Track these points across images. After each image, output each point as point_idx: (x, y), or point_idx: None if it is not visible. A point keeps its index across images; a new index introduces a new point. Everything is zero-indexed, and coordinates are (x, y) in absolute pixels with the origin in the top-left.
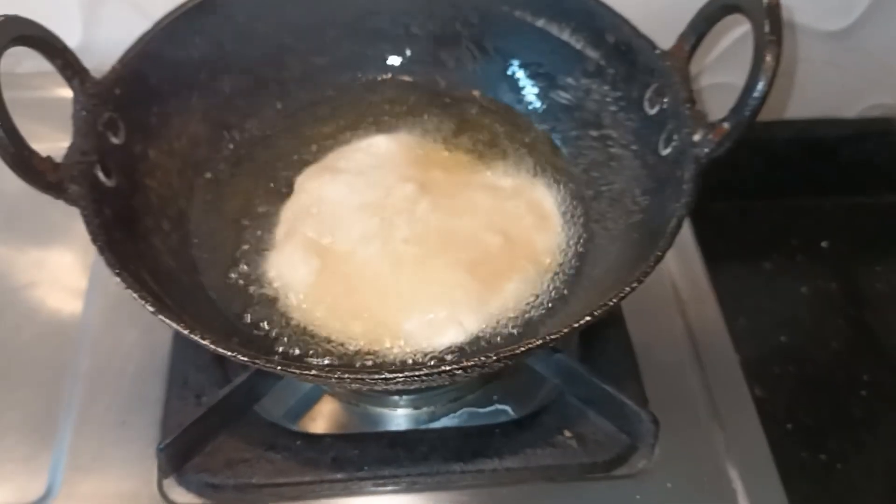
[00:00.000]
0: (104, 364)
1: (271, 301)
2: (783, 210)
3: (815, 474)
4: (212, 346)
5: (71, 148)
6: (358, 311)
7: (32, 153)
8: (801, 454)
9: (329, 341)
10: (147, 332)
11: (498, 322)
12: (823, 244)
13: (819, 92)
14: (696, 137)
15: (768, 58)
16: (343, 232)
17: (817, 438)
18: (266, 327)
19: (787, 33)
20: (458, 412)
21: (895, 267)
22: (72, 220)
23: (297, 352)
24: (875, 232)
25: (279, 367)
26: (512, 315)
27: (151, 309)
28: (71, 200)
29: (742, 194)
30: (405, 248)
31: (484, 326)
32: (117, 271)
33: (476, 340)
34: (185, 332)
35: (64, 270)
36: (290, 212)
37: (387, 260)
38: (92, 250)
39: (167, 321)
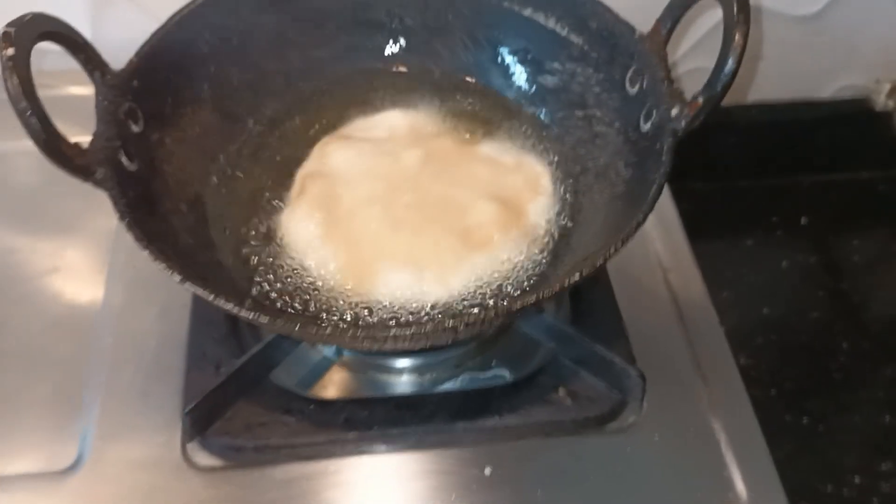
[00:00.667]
0: (126, 341)
1: (278, 266)
2: (763, 189)
3: (799, 435)
4: (236, 310)
5: (95, 135)
6: (355, 266)
7: (62, 139)
8: (784, 417)
9: (334, 299)
10: (165, 310)
11: (488, 284)
12: (802, 220)
13: (793, 75)
14: (674, 112)
15: (737, 37)
16: (349, 193)
17: (800, 402)
18: (274, 296)
19: (761, 19)
20: (460, 377)
21: (871, 240)
22: (87, 211)
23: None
24: (851, 207)
25: (297, 326)
26: (501, 279)
27: (178, 277)
28: (97, 182)
29: (724, 175)
30: (405, 212)
31: (472, 287)
32: (145, 245)
33: (461, 301)
34: (211, 297)
35: (82, 257)
36: (303, 172)
37: (386, 222)
38: (108, 238)
39: (194, 287)
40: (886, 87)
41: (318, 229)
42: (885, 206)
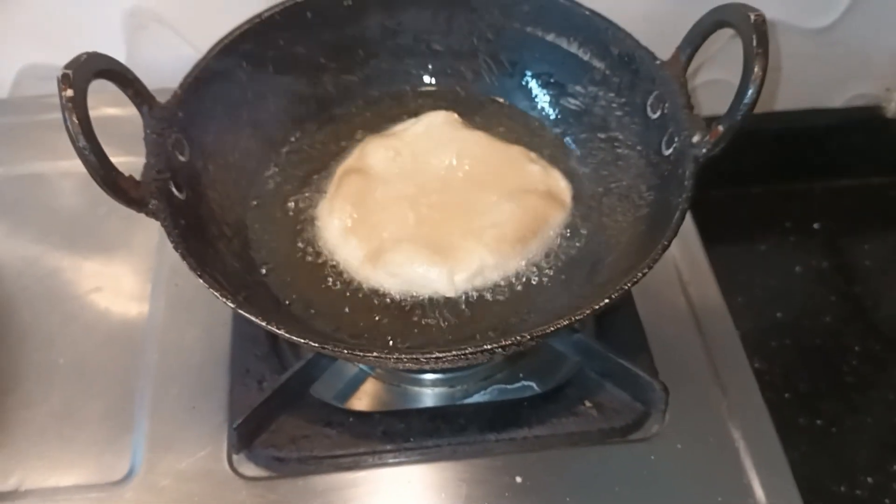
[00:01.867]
0: (171, 359)
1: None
2: (777, 195)
3: (813, 437)
4: (286, 335)
5: (146, 167)
6: (374, 254)
7: (118, 174)
8: (798, 419)
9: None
10: (207, 329)
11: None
12: (815, 225)
13: (807, 85)
14: (695, 139)
15: (756, 69)
16: (381, 189)
17: (813, 404)
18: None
19: (776, 32)
20: (489, 389)
21: (882, 244)
22: (128, 231)
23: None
24: (862, 213)
25: (346, 351)
26: (508, 285)
27: (232, 305)
28: (152, 214)
29: (739, 182)
30: (429, 211)
31: (478, 288)
32: (199, 273)
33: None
34: (263, 323)
35: (125, 276)
36: (342, 168)
37: (411, 217)
38: (149, 257)
39: (247, 315)
40: None
41: (347, 221)
42: (895, 211)
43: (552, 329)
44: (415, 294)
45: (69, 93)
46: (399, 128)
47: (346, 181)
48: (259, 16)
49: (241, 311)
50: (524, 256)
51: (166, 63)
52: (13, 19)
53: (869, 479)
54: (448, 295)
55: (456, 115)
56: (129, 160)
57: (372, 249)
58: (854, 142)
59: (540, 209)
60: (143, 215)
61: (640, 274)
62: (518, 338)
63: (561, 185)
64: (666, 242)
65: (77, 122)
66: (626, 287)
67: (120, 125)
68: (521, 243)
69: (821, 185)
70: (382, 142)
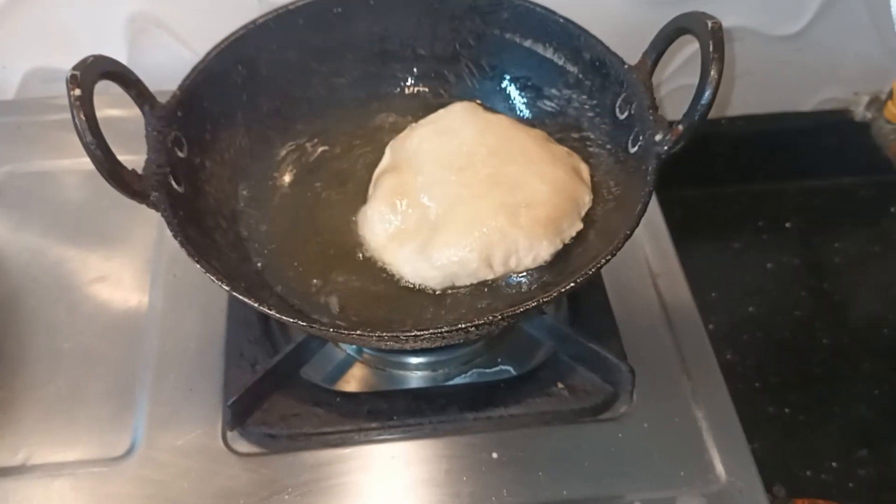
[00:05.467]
0: (169, 343)
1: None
2: (750, 195)
3: (781, 425)
4: (276, 315)
5: (147, 162)
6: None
7: (122, 167)
8: (768, 408)
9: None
10: (203, 316)
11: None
12: (787, 224)
13: (778, 89)
14: (658, 137)
15: (713, 72)
16: (414, 179)
17: (782, 394)
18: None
19: (747, 38)
20: (469, 372)
21: (851, 242)
22: (130, 224)
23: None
24: (833, 212)
25: (332, 330)
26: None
27: (227, 288)
28: (152, 205)
29: (713, 182)
30: (459, 189)
31: (509, 272)
32: (196, 259)
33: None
34: (256, 305)
35: (126, 266)
36: (377, 171)
37: (444, 201)
38: (149, 248)
39: (241, 297)
40: (865, 99)
41: (388, 225)
42: (864, 211)
43: (521, 310)
44: (456, 284)
45: (77, 92)
46: (423, 120)
47: (382, 181)
48: (254, 22)
49: (235, 294)
50: (557, 236)
51: (166, 65)
52: (20, 24)
53: (834, 465)
54: (487, 278)
55: (477, 102)
56: (130, 158)
57: (419, 244)
58: (824, 144)
59: (571, 189)
60: (143, 211)
61: (603, 260)
62: (490, 317)
63: (582, 165)
64: (629, 231)
65: (84, 119)
66: (591, 272)
67: (122, 125)
68: (553, 224)
69: (793, 185)
70: (405, 135)
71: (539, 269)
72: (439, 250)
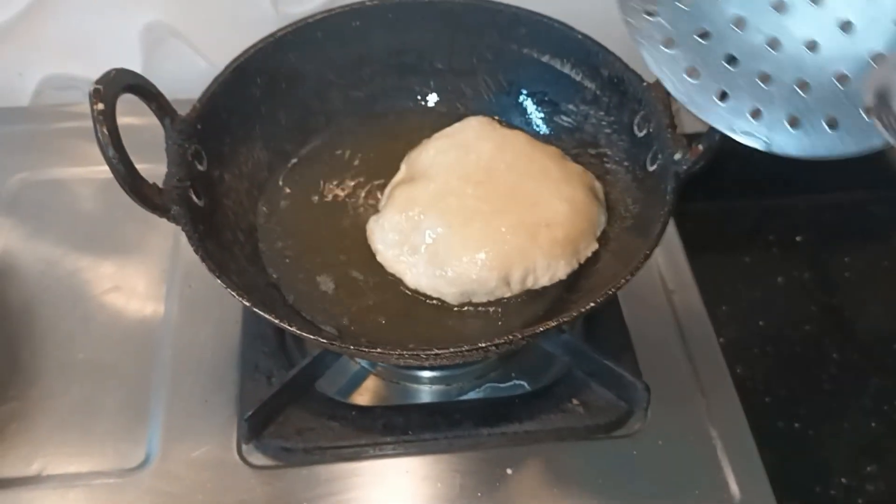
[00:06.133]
0: (185, 353)
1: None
2: (761, 209)
3: (791, 439)
4: (297, 332)
5: (168, 175)
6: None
7: (143, 181)
8: (777, 423)
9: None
10: (219, 328)
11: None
12: (797, 238)
13: None
14: (677, 156)
15: None
16: (426, 191)
17: (792, 409)
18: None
19: None
20: (483, 387)
21: (861, 257)
22: (144, 234)
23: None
24: (843, 226)
25: (352, 348)
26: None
27: (247, 303)
28: (173, 219)
29: (725, 197)
30: (476, 203)
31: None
32: (217, 275)
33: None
34: (276, 321)
35: (141, 277)
36: (392, 183)
37: (460, 214)
38: (164, 259)
39: (260, 313)
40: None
41: (398, 235)
42: (875, 226)
43: (541, 329)
44: (473, 301)
45: (100, 106)
46: (439, 133)
47: (395, 193)
48: (273, 35)
49: (255, 310)
50: (574, 256)
51: (181, 75)
52: (35, 33)
53: (843, 480)
54: (504, 296)
55: (495, 118)
56: (146, 167)
57: (432, 257)
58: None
59: (588, 208)
60: (157, 220)
61: (623, 280)
62: (510, 337)
63: (597, 184)
64: (648, 252)
65: (107, 133)
66: (611, 293)
67: (137, 133)
68: (572, 245)
69: (803, 199)
70: (421, 148)
71: (554, 286)
72: (455, 266)
